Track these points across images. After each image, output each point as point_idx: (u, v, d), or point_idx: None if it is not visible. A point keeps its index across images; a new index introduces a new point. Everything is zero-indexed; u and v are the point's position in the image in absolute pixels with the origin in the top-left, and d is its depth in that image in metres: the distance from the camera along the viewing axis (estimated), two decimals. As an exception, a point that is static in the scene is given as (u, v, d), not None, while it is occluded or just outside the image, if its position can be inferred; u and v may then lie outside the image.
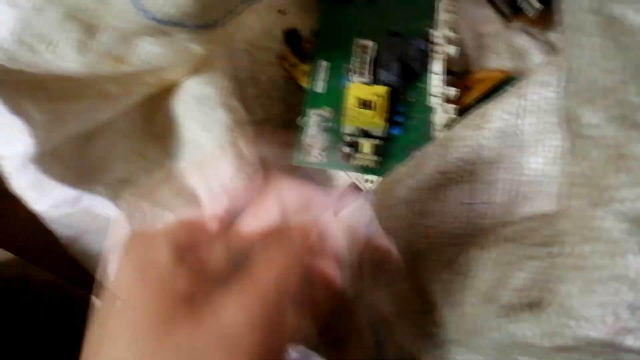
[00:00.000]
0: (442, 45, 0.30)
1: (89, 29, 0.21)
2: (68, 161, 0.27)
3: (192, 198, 0.30)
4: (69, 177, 0.27)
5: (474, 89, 0.30)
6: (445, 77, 0.29)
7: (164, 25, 0.20)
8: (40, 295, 0.33)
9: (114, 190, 0.28)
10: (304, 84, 0.34)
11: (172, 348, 0.16)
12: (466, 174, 0.20)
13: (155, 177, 0.30)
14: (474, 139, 0.20)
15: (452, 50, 0.30)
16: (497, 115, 0.19)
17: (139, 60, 0.23)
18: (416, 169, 0.21)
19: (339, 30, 0.32)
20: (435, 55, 0.29)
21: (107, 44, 0.22)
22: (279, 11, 0.36)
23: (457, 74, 0.32)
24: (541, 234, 0.17)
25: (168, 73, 0.29)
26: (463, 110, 0.30)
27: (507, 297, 0.17)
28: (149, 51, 0.23)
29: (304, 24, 0.37)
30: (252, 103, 0.35)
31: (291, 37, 0.35)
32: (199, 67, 0.31)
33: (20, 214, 0.33)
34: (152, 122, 0.31)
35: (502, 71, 0.30)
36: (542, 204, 0.19)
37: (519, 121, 0.19)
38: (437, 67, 0.29)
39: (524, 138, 0.19)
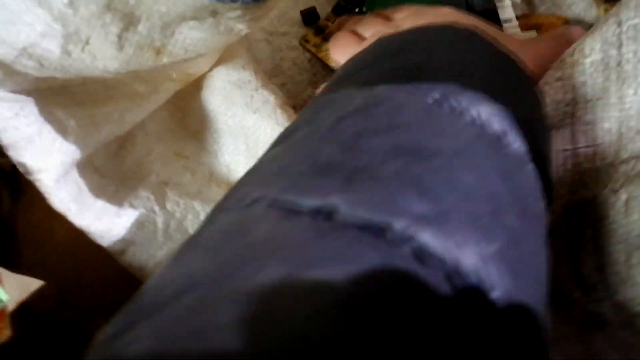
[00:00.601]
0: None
1: (130, 20, 0.19)
2: (104, 171, 0.25)
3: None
4: (108, 188, 0.25)
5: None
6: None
7: (221, 3, 0.18)
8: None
9: (159, 193, 0.26)
10: (332, 62, 0.32)
11: None
12: (567, 116, 0.19)
13: (199, 175, 0.28)
14: (574, 77, 0.18)
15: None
16: (596, 47, 0.18)
17: (179, 48, 0.21)
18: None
19: (390, 2, 0.29)
20: (502, 4, 0.28)
21: (147, 34, 0.20)
22: (293, -7, 0.34)
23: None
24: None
25: (194, 66, 0.27)
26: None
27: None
28: (191, 37, 0.21)
29: (317, 3, 0.35)
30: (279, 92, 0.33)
31: (310, 17, 0.33)
32: (222, 59, 0.29)
33: (56, 240, 0.31)
34: (184, 120, 0.29)
35: (558, 17, 0.29)
36: (661, 134, 0.17)
37: (622, 50, 0.17)
38: (508, 15, 0.27)
39: (627, 68, 0.17)
